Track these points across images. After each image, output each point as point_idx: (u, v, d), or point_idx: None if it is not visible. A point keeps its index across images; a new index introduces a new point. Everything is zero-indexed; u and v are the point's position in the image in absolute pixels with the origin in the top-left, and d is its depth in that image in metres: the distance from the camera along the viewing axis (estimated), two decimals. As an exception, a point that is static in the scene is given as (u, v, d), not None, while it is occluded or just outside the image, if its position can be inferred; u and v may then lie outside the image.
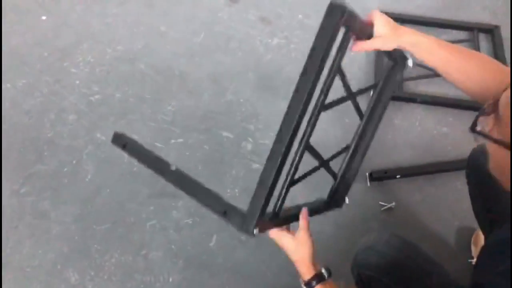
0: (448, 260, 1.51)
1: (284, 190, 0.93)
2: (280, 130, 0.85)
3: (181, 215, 1.59)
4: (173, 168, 1.12)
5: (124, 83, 1.93)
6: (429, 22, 2.18)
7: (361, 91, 1.05)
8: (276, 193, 0.91)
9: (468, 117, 1.58)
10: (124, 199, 1.61)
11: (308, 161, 0.95)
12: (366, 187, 1.66)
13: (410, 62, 1.09)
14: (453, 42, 2.08)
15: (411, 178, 1.68)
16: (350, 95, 1.02)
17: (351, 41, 0.91)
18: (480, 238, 1.49)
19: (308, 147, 0.93)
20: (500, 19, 2.22)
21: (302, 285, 0.97)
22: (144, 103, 1.87)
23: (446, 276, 1.07)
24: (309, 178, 1.00)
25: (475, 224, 1.52)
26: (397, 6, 2.25)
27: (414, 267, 1.06)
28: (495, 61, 0.93)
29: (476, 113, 0.72)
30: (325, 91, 0.91)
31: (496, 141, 0.69)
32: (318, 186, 1.33)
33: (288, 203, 0.95)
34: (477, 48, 2.05)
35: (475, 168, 1.23)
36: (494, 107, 0.70)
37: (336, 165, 1.11)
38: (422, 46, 0.96)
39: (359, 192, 1.65)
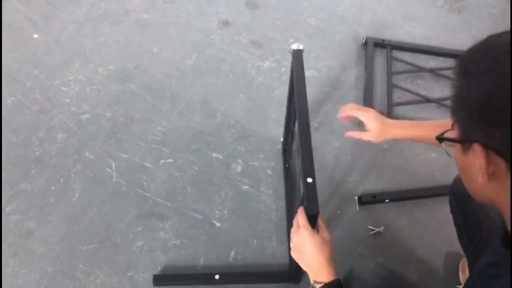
0: (436, 285, 1.51)
1: None
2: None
3: (168, 236, 1.57)
4: (216, 277, 1.43)
5: (115, 103, 1.93)
6: (418, 49, 2.22)
7: None
8: None
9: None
10: (111, 219, 1.60)
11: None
12: (355, 211, 1.66)
13: None
14: (442, 69, 2.13)
15: (399, 202, 1.69)
16: None
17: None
18: (467, 265, 1.49)
19: None
20: (487, 48, 2.27)
21: (316, 286, 0.98)
22: (134, 122, 1.87)
23: None
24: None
25: (462, 250, 1.53)
26: (387, 32, 2.30)
27: None
28: None
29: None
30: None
31: (455, 141, 0.74)
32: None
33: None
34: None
35: (457, 196, 1.25)
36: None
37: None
38: (403, 137, 1.24)
39: (348, 215, 1.65)
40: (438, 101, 1.98)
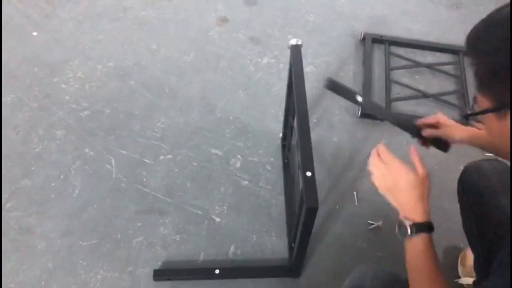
0: (435, 279, 1.51)
1: None
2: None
3: (168, 231, 1.58)
4: (216, 271, 1.43)
5: (114, 100, 1.94)
6: (416, 44, 2.23)
7: None
8: None
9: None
10: (111, 215, 1.60)
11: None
12: (354, 206, 1.67)
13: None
14: (439, 64, 2.13)
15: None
16: None
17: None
18: (467, 258, 1.50)
19: None
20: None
21: (407, 224, 0.91)
22: (134, 119, 1.87)
23: None
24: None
25: (462, 244, 1.54)
26: (385, 28, 2.31)
27: None
28: None
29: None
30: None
31: (487, 111, 0.76)
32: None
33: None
34: (462, 69, 2.10)
35: (467, 186, 1.24)
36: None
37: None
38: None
39: (347, 210, 1.65)
40: (436, 96, 1.99)
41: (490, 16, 0.76)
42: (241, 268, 1.50)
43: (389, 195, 0.98)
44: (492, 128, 0.79)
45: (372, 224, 1.61)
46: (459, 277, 1.49)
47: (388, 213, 1.65)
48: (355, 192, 1.69)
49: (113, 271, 1.48)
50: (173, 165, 1.74)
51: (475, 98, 0.82)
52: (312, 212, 1.05)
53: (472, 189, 1.21)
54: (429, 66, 2.13)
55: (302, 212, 1.10)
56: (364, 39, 2.21)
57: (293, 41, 1.33)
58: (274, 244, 1.57)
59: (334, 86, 1.16)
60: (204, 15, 2.32)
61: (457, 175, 1.28)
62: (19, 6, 2.28)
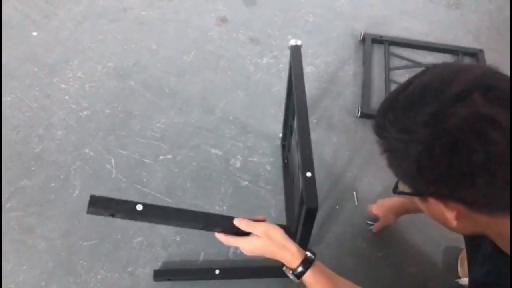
0: (435, 279, 1.52)
1: None
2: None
3: (168, 232, 1.58)
4: (217, 271, 1.44)
5: (114, 99, 1.94)
6: (416, 45, 2.24)
7: None
8: None
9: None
10: (112, 215, 1.60)
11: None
12: (354, 206, 1.67)
13: None
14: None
15: (398, 197, 1.70)
16: None
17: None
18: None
19: None
20: (483, 43, 2.29)
21: (290, 274, 0.95)
22: (133, 119, 1.87)
23: None
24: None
25: (462, 244, 1.54)
26: (385, 28, 2.31)
27: None
28: None
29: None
30: None
31: (411, 194, 0.73)
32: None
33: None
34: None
35: None
36: None
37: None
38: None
39: (347, 210, 1.66)
40: (436, 96, 1.99)
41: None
42: (241, 268, 1.50)
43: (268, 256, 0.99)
44: (421, 206, 0.77)
45: (372, 224, 1.61)
46: (459, 277, 1.49)
47: (388, 213, 1.66)
48: (354, 192, 1.69)
49: (113, 271, 1.49)
50: (173, 165, 1.74)
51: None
52: (312, 212, 1.05)
53: None
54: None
55: (302, 213, 1.10)
56: (363, 39, 2.21)
57: (292, 42, 1.33)
58: (274, 244, 1.57)
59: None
60: (204, 15, 2.32)
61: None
62: (19, 6, 2.28)
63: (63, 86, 1.97)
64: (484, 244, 0.81)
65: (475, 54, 2.20)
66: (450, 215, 0.68)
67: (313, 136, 1.17)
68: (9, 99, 1.90)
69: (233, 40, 2.21)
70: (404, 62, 2.16)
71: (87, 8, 2.31)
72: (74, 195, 1.64)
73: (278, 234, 0.96)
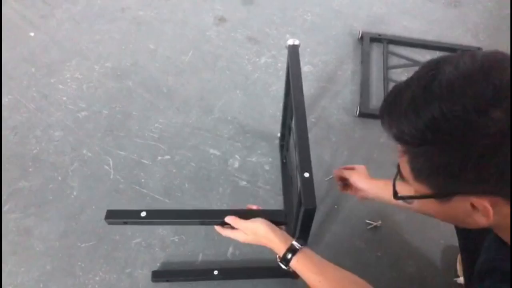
0: (434, 278, 1.51)
1: None
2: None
3: (167, 232, 1.57)
4: (215, 272, 1.45)
5: (112, 100, 1.93)
6: (415, 43, 2.23)
7: None
8: None
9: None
10: (110, 216, 1.60)
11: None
12: (352, 206, 1.67)
13: None
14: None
15: (397, 196, 1.69)
16: None
17: None
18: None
19: None
20: (482, 41, 2.28)
21: (279, 262, 1.01)
22: (131, 119, 1.87)
23: None
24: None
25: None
26: (383, 27, 2.30)
27: None
28: None
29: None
30: None
31: (419, 197, 0.73)
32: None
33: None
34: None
35: None
36: (401, 174, 0.76)
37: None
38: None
39: (345, 210, 1.65)
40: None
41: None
42: (240, 269, 1.50)
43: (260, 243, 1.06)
44: (432, 209, 0.75)
45: (371, 224, 1.61)
46: (458, 277, 1.49)
47: (386, 213, 1.65)
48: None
49: (112, 273, 1.48)
50: (171, 166, 1.74)
51: (398, 168, 0.77)
52: (310, 213, 1.05)
53: None
54: (427, 65, 2.13)
55: (301, 213, 1.10)
56: (362, 38, 2.21)
57: (290, 41, 1.33)
58: (272, 244, 1.56)
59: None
60: (202, 15, 2.31)
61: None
62: (16, 7, 2.27)
63: (60, 86, 1.96)
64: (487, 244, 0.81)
65: (473, 52, 2.19)
66: (489, 214, 0.66)
67: (312, 135, 1.17)
68: (7, 100, 1.90)
69: (231, 39, 2.21)
70: (403, 61, 2.15)
71: (84, 8, 2.30)
72: (72, 196, 1.64)
73: (262, 230, 1.02)
